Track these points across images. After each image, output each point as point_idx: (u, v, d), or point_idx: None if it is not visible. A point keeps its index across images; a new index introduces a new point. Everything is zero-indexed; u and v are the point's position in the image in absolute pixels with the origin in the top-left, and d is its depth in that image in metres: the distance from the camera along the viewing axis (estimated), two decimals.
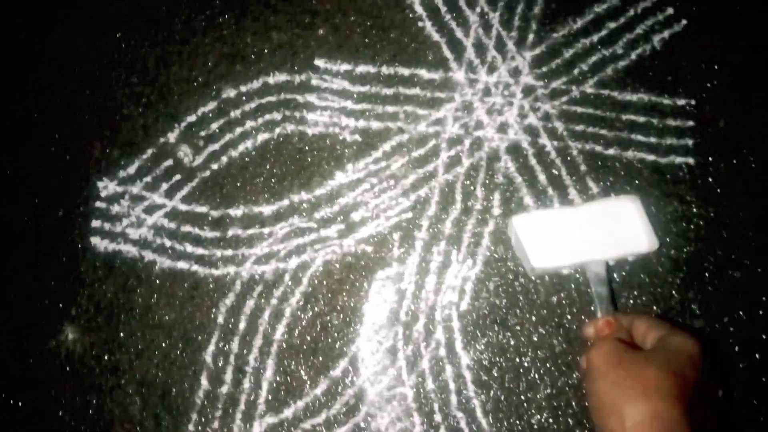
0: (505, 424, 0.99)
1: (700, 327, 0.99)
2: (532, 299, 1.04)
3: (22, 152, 1.22)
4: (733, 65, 1.10)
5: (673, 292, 1.02)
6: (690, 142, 1.07)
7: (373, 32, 1.19)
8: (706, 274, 1.02)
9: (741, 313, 1.00)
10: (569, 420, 0.98)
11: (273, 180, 1.13)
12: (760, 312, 0.99)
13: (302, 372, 1.05)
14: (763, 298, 1.00)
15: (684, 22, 1.13)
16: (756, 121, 1.07)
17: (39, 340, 1.12)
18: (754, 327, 0.99)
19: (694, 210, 1.04)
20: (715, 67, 1.10)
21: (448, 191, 1.10)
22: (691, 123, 1.08)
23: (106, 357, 1.10)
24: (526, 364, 1.01)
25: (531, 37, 1.15)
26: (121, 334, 1.10)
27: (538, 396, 1.00)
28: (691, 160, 1.06)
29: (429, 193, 1.10)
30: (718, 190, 1.05)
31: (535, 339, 1.02)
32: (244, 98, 1.17)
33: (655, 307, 1.01)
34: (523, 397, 1.00)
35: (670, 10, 1.13)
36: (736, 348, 0.99)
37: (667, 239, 1.03)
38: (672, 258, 1.03)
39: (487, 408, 1.00)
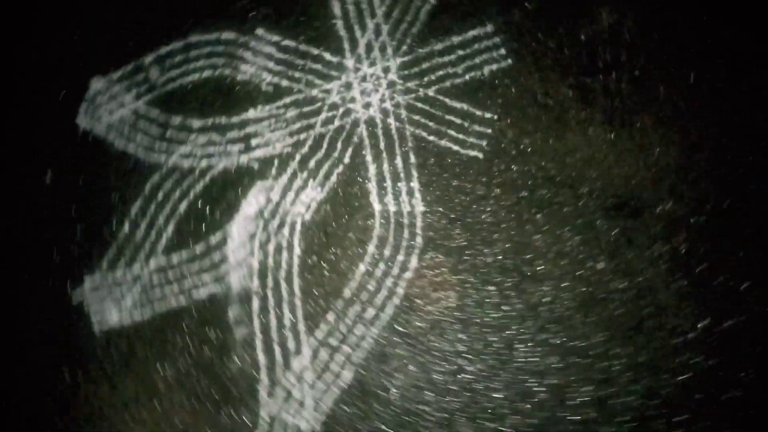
0: (320, 290, 1.50)
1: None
2: (353, 219, 1.53)
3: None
4: (532, 93, 1.56)
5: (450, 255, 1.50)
6: (484, 143, 1.54)
7: (302, 20, 1.67)
8: (483, 233, 1.50)
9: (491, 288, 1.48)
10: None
11: (205, 104, 1.64)
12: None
13: (191, 235, 1.56)
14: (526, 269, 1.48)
15: (509, 61, 1.59)
16: (536, 138, 1.54)
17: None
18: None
19: (478, 192, 1.52)
20: (513, 90, 1.56)
21: (320, 139, 1.59)
22: (489, 131, 1.55)
23: (73, 208, 1.63)
24: (341, 260, 1.51)
25: (405, 47, 1.63)
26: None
27: (343, 266, 1.50)
28: (480, 155, 1.54)
29: (306, 137, 1.60)
30: (494, 181, 1.52)
31: (348, 242, 1.52)
32: (201, 43, 1.67)
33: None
34: (334, 276, 1.50)
35: (502, 51, 1.60)
36: None
37: (457, 208, 1.51)
38: (452, 218, 1.51)
39: (305, 264, 1.51)
